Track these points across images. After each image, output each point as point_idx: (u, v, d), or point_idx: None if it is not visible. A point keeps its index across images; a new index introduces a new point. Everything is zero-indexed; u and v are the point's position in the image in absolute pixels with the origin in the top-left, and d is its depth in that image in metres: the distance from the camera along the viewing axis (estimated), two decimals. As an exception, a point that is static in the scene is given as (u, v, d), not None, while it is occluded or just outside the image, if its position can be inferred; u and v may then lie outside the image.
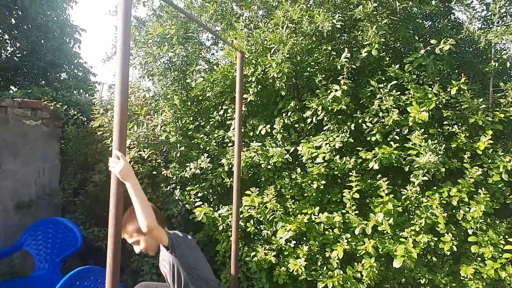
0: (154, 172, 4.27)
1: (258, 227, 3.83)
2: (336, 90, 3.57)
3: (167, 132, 4.21)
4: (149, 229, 1.92)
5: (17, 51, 8.27)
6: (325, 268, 3.52)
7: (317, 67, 3.96)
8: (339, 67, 3.69)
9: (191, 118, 4.37)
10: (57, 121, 4.76)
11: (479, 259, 3.37)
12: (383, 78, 3.73)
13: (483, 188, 3.31)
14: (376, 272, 3.32)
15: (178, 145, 4.19)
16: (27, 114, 4.37)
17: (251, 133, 4.12)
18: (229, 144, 4.14)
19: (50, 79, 7.98)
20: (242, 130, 3.97)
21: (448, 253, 3.34)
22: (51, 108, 4.57)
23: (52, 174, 4.68)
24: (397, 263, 3.19)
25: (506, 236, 3.29)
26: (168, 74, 4.44)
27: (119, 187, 1.73)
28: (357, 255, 3.42)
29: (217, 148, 4.13)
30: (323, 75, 3.82)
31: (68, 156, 4.83)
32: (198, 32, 4.87)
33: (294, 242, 3.65)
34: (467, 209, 3.38)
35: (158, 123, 4.22)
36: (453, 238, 3.30)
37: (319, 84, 3.80)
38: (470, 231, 3.38)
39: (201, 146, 4.15)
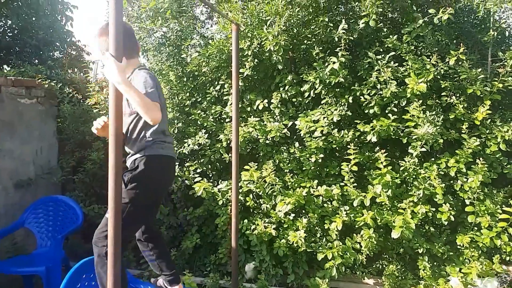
0: (152, 149, 4.26)
1: (258, 201, 3.85)
2: (334, 63, 3.54)
3: (164, 109, 4.16)
4: (154, 122, 1.92)
5: (8, 30, 8.10)
6: (324, 239, 3.57)
7: (314, 40, 3.90)
8: (336, 39, 3.64)
9: (188, 94, 4.33)
10: (52, 100, 4.70)
11: (475, 228, 3.42)
12: (381, 50, 3.69)
13: (481, 158, 3.33)
14: (375, 242, 3.37)
15: (175, 121, 4.17)
16: (22, 92, 4.30)
17: (249, 108, 4.10)
18: (227, 120, 4.12)
19: (43, 58, 7.84)
20: (240, 105, 3.94)
21: (446, 223, 3.39)
22: (46, 87, 4.50)
23: (50, 153, 4.66)
24: (395, 234, 3.23)
25: (503, 206, 3.32)
26: (162, 50, 4.37)
27: (117, 159, 1.71)
28: (356, 226, 3.47)
29: (214, 124, 4.11)
30: (320, 48, 3.77)
31: (65, 135, 4.80)
32: (192, 6, 4.77)
33: (293, 215, 3.69)
34: (465, 180, 3.40)
35: (154, 100, 4.17)
36: (451, 208, 3.33)
37: (317, 57, 3.75)
38: (467, 201, 3.41)
39: (199, 122, 4.13)
